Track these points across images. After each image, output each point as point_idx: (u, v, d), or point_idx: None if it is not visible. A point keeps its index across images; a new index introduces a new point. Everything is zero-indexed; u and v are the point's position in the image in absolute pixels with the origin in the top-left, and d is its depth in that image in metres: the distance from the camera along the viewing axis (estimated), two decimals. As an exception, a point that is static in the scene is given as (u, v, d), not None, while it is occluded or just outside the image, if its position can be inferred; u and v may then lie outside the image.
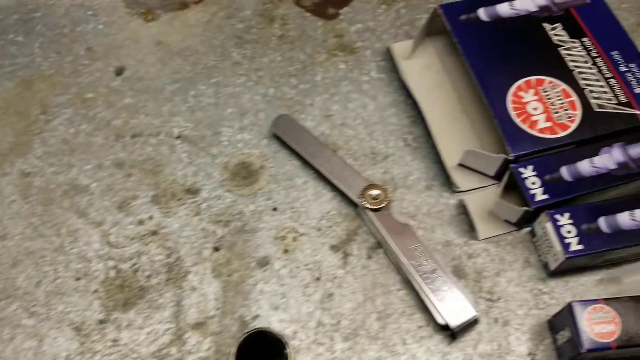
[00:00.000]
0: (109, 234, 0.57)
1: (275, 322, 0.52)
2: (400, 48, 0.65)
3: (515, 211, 0.55)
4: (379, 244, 0.56)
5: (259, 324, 0.52)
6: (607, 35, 0.62)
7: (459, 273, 0.55)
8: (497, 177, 0.58)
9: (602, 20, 0.64)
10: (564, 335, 0.50)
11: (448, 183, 0.59)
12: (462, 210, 0.58)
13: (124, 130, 0.61)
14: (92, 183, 0.59)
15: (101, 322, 0.53)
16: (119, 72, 0.64)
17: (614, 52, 0.61)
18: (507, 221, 0.57)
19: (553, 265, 0.54)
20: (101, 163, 0.60)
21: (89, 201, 0.58)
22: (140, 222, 0.57)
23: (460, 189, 0.59)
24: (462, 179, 0.59)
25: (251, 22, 0.68)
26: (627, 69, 0.60)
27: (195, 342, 0.52)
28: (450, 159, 0.60)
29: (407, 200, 0.59)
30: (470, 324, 0.53)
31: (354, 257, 0.56)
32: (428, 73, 0.64)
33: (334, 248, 0.56)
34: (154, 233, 0.57)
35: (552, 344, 0.52)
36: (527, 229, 0.57)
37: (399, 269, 0.55)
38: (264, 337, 0.44)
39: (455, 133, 0.61)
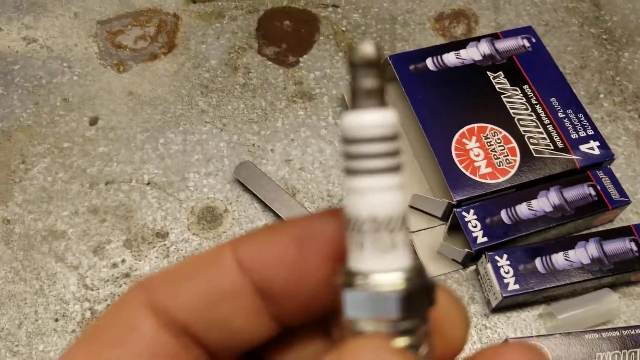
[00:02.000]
0: (85, 277, 0.61)
1: None
2: (356, 95, 0.70)
3: (459, 252, 0.60)
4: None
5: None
6: (546, 82, 0.67)
7: (407, 309, 0.60)
8: (444, 218, 0.63)
9: (542, 67, 0.68)
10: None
11: (399, 224, 0.64)
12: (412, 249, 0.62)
13: (99, 177, 0.66)
14: (69, 229, 0.63)
15: (77, 361, 0.57)
16: (93, 122, 0.69)
17: (552, 99, 0.66)
18: (454, 260, 0.62)
19: (494, 303, 0.59)
20: (77, 209, 0.64)
21: (66, 246, 0.63)
22: (114, 265, 0.62)
23: (410, 230, 0.63)
24: (410, 220, 0.64)
25: (217, 71, 0.72)
26: (564, 115, 0.65)
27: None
28: (401, 201, 0.64)
29: (361, 241, 0.63)
30: (417, 358, 0.57)
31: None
32: (382, 118, 0.69)
33: None
34: (127, 275, 0.61)
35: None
36: (473, 267, 0.62)
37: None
38: None
39: (406, 176, 0.66)
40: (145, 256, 0.62)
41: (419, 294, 0.21)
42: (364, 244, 0.21)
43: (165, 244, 0.63)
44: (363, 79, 0.21)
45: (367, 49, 0.21)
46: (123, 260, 0.62)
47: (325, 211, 0.23)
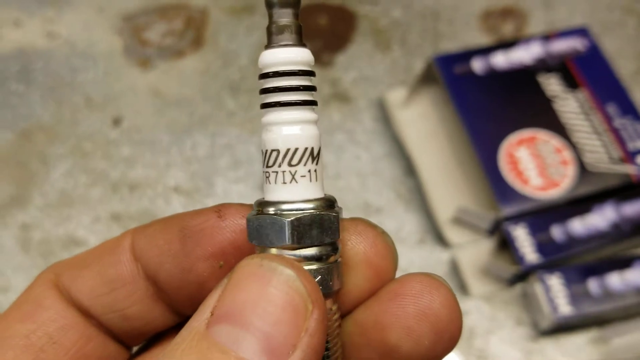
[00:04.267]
0: (106, 287, 0.58)
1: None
2: (395, 97, 0.66)
3: (507, 270, 0.56)
4: (371, 300, 0.57)
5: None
6: (602, 87, 0.62)
7: (449, 330, 0.56)
8: (491, 232, 0.59)
9: (598, 71, 0.63)
10: (551, 399, 0.51)
11: (441, 237, 0.60)
12: (455, 265, 0.58)
13: (122, 182, 0.63)
14: (90, 236, 0.60)
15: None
16: (117, 122, 0.65)
17: (608, 105, 0.61)
18: (500, 278, 0.58)
19: (543, 326, 0.54)
20: (99, 215, 0.61)
21: (87, 253, 0.59)
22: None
23: (453, 244, 0.59)
24: (454, 234, 0.59)
25: (247, 70, 0.68)
26: (622, 124, 0.60)
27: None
28: (444, 213, 0.60)
29: (400, 254, 0.59)
30: (460, 384, 0.53)
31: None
32: (422, 123, 0.65)
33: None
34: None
35: (540, 406, 0.53)
36: (520, 286, 0.58)
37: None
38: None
39: (450, 186, 0.62)
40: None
41: (311, 224, 0.22)
42: (269, 178, 0.23)
43: (191, 254, 0.59)
44: (278, 18, 0.23)
45: None
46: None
47: (209, 208, 0.25)
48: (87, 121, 0.65)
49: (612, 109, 0.61)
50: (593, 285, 0.54)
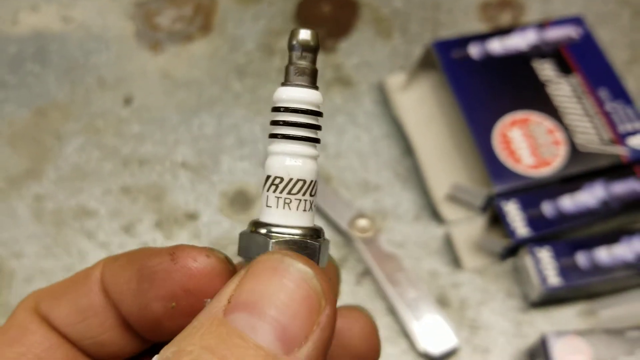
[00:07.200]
0: (115, 256, 0.60)
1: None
2: (395, 81, 0.68)
3: (498, 244, 0.58)
4: (367, 271, 0.59)
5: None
6: (595, 73, 0.64)
7: (443, 302, 0.58)
8: (484, 209, 0.61)
9: (591, 58, 0.66)
10: (539, 365, 0.53)
11: (436, 214, 0.62)
12: (449, 240, 0.61)
13: (132, 157, 0.65)
14: (101, 207, 0.63)
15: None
16: (128, 102, 0.68)
17: (600, 90, 0.63)
18: (492, 252, 0.60)
19: (533, 297, 0.57)
20: (110, 188, 0.64)
21: (98, 224, 0.62)
22: (144, 245, 0.61)
23: (447, 220, 0.62)
24: (449, 210, 0.62)
25: (253, 55, 0.71)
26: (613, 107, 0.62)
27: None
28: (439, 191, 0.62)
29: (396, 230, 0.61)
30: (452, 352, 0.55)
31: (343, 282, 0.58)
32: (421, 106, 0.67)
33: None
34: (156, 256, 0.60)
35: (529, 373, 0.55)
36: (512, 261, 0.60)
37: (384, 296, 0.58)
38: None
39: (445, 165, 0.64)
40: (177, 237, 0.61)
41: (295, 249, 0.25)
42: (268, 201, 0.26)
43: (196, 225, 0.62)
44: (298, 60, 0.25)
45: (307, 35, 0.25)
46: (154, 240, 0.61)
47: (165, 249, 0.26)
48: (100, 100, 0.68)
49: (603, 93, 0.63)
50: (582, 258, 0.56)
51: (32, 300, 0.28)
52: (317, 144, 0.26)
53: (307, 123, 0.25)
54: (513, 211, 0.58)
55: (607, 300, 0.57)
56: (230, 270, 0.27)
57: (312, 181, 0.26)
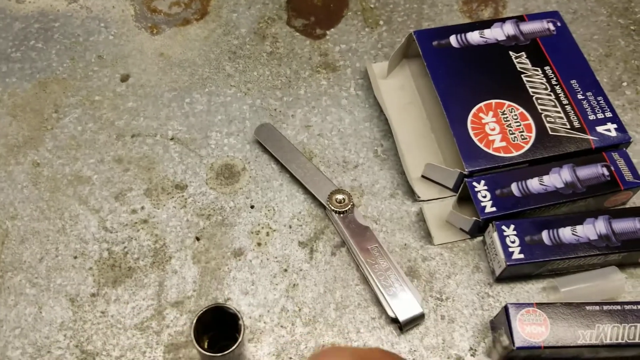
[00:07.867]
0: (105, 220, 0.64)
1: (244, 306, 0.59)
2: (378, 68, 0.72)
3: (467, 220, 0.61)
4: (343, 243, 0.62)
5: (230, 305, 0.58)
6: (568, 64, 0.68)
7: (413, 273, 0.61)
8: (455, 189, 0.64)
9: (565, 50, 0.69)
10: (500, 334, 0.56)
11: (411, 193, 0.65)
12: (421, 217, 0.64)
13: (125, 130, 0.69)
14: (94, 175, 0.66)
15: (93, 295, 0.59)
16: (124, 79, 0.72)
17: (573, 81, 0.66)
18: (461, 229, 0.63)
19: (498, 272, 0.59)
20: (103, 158, 0.67)
21: (90, 191, 0.65)
22: (133, 212, 0.64)
23: (421, 199, 0.65)
24: (423, 190, 0.65)
25: (245, 39, 0.75)
26: (584, 97, 0.65)
27: (173, 317, 0.58)
28: (414, 171, 0.65)
29: (372, 206, 0.65)
30: (419, 319, 0.58)
31: (319, 253, 0.62)
32: (402, 92, 0.71)
33: (302, 244, 0.62)
34: (145, 222, 0.64)
35: (491, 342, 0.57)
36: (480, 238, 0.63)
37: (358, 266, 0.61)
38: (221, 312, 0.51)
39: (421, 148, 0.67)
40: (164, 205, 0.64)
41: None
42: None
43: (183, 196, 0.65)
44: None
45: None
46: (142, 207, 0.64)
47: None
48: (98, 76, 0.72)
49: (576, 84, 0.66)
50: (546, 236, 0.59)
51: None
52: None
53: None
54: (483, 191, 0.61)
55: (569, 277, 0.60)
56: None
57: None
